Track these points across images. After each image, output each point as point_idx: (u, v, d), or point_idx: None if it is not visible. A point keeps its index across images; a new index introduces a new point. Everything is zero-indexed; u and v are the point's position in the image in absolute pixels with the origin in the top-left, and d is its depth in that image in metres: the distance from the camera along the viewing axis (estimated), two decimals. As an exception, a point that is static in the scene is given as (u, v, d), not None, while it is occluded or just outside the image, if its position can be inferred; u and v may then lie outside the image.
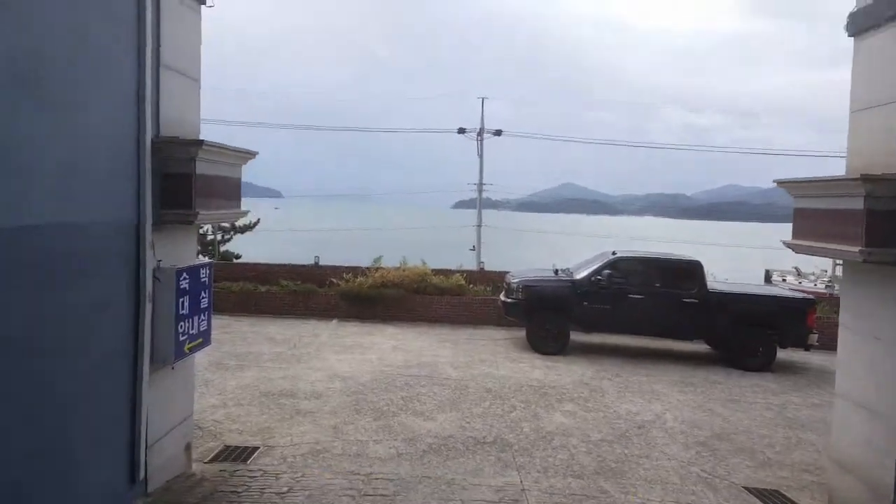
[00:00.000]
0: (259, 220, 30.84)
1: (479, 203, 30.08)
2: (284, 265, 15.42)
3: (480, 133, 29.56)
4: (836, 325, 5.93)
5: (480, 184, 30.10)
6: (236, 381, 8.90)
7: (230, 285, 14.02)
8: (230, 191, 5.40)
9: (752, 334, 11.73)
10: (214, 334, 10.64)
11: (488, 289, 14.91)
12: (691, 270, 12.07)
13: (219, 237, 28.68)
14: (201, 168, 4.79)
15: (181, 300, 4.83)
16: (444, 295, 14.32)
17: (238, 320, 13.19)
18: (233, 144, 5.31)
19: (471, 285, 14.83)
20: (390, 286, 14.11)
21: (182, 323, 4.86)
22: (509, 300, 12.36)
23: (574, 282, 12.08)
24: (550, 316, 12.01)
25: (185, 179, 4.69)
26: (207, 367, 9.40)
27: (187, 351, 5.00)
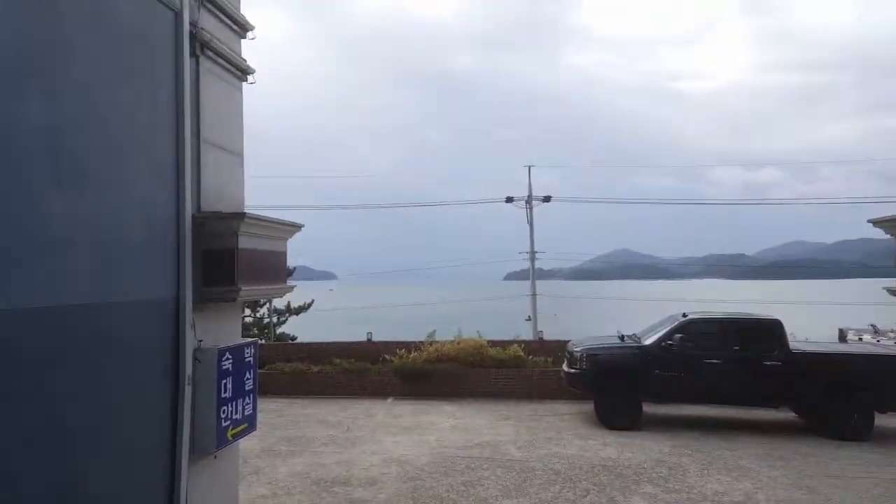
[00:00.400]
0: (313, 300, 31.08)
1: (532, 271, 29.52)
2: (336, 343, 15.13)
3: (529, 200, 29.36)
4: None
5: (532, 252, 29.64)
6: (287, 467, 8.43)
7: (282, 366, 13.77)
8: (275, 265, 5.15)
9: (845, 398, 10.63)
10: (266, 418, 10.30)
11: (549, 360, 14.21)
12: (770, 330, 11.15)
13: (274, 319, 28.91)
14: (244, 243, 4.56)
15: (223, 382, 4.49)
16: (502, 367, 13.68)
17: (291, 403, 12.82)
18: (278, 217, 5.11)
19: (530, 356, 14.17)
20: (445, 360, 13.60)
21: (225, 407, 4.51)
22: (573, 370, 11.65)
23: (643, 348, 11.32)
24: (619, 386, 11.22)
25: (228, 255, 4.45)
26: (259, 454, 8.99)
27: (231, 437, 4.62)
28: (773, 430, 11.07)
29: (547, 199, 29.60)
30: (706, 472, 8.60)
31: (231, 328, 5.03)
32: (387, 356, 13.98)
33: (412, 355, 13.78)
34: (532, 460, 8.96)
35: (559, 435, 10.47)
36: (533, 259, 29.52)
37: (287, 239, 5.44)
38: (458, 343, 14.02)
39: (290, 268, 30.93)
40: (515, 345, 14.37)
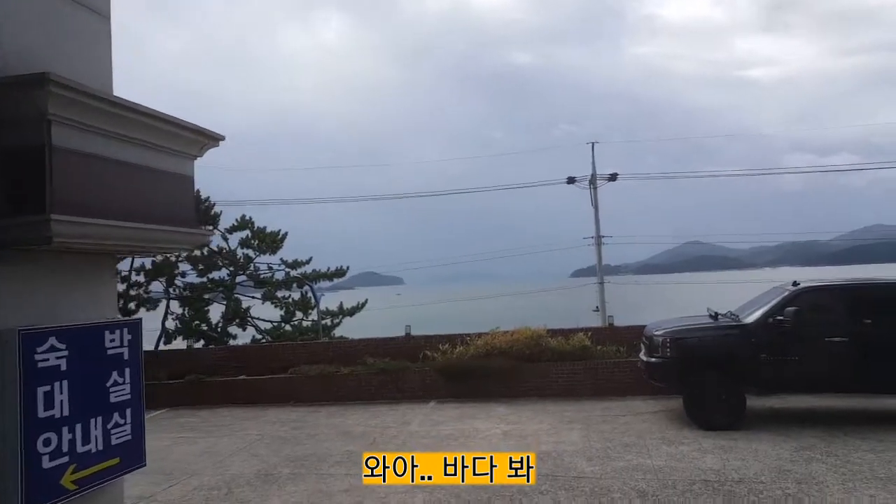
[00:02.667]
0: (367, 300, 29.45)
1: (599, 255, 26.90)
2: (370, 340, 13.18)
3: (593, 180, 26.80)
4: None
5: (598, 235, 27.06)
6: (280, 500, 6.49)
7: (308, 369, 11.94)
8: (164, 195, 3.19)
9: None
10: (278, 432, 8.51)
11: (621, 349, 11.85)
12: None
13: (326, 321, 27.47)
14: (73, 140, 2.63)
15: (44, 389, 2.57)
16: (565, 361, 11.44)
17: (314, 411, 10.95)
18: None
19: (598, 346, 11.85)
20: (497, 355, 11.46)
21: (51, 434, 2.58)
22: (653, 359, 9.33)
23: (743, 327, 8.90)
24: (716, 376, 8.84)
25: (31, 157, 2.53)
26: (251, 481, 7.12)
27: (70, 485, 2.68)
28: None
29: (613, 177, 26.94)
30: (852, 484, 6.23)
31: (87, 299, 3.09)
32: (428, 353, 11.96)
33: (457, 350, 11.72)
34: (607, 476, 6.73)
35: (641, 440, 8.18)
36: (599, 243, 26.94)
37: (194, 156, 3.47)
38: (512, 334, 11.85)
39: (301, 273, 29.70)
40: (581, 333, 12.07)
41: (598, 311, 24.66)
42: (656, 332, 9.44)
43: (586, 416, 9.72)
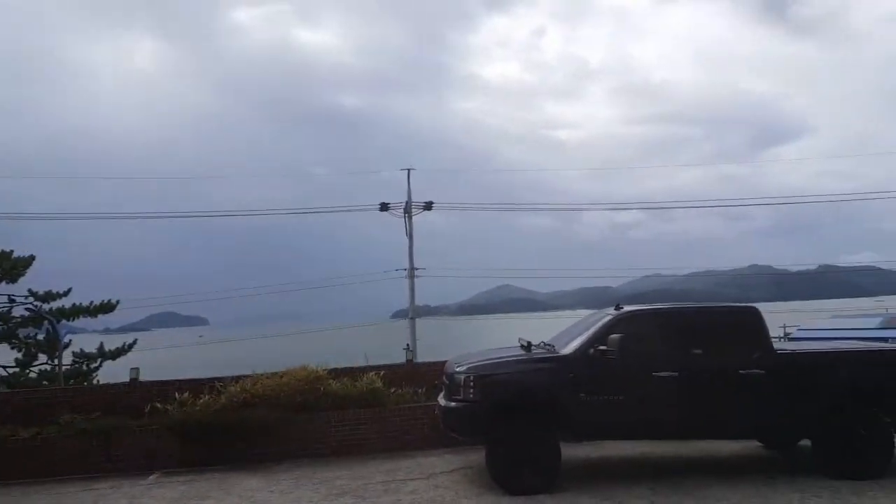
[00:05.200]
0: (136, 340, 24.84)
1: (412, 287, 25.09)
2: (74, 388, 9.69)
3: (408, 208, 25.04)
4: None
5: (412, 267, 25.26)
6: None
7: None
8: None
9: (858, 417, 6.97)
10: None
11: (420, 391, 9.71)
12: (747, 323, 7.39)
13: (81, 365, 22.56)
14: None
15: None
16: (350, 408, 9.01)
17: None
18: None
19: (393, 389, 9.59)
20: (259, 404, 8.71)
21: None
22: (453, 404, 7.25)
23: (561, 359, 7.15)
24: (527, 423, 6.95)
25: None
26: None
27: None
28: (748, 472, 7.29)
29: (429, 205, 25.33)
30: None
31: None
32: (159, 405, 8.81)
33: (202, 401, 8.73)
34: None
35: (430, 519, 5.95)
36: (412, 275, 25.13)
37: None
38: (282, 377, 9.15)
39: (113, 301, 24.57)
40: (372, 374, 9.71)
41: (408, 349, 22.64)
42: (458, 369, 7.37)
43: (363, 483, 7.30)
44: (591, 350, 7.07)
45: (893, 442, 6.94)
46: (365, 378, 9.48)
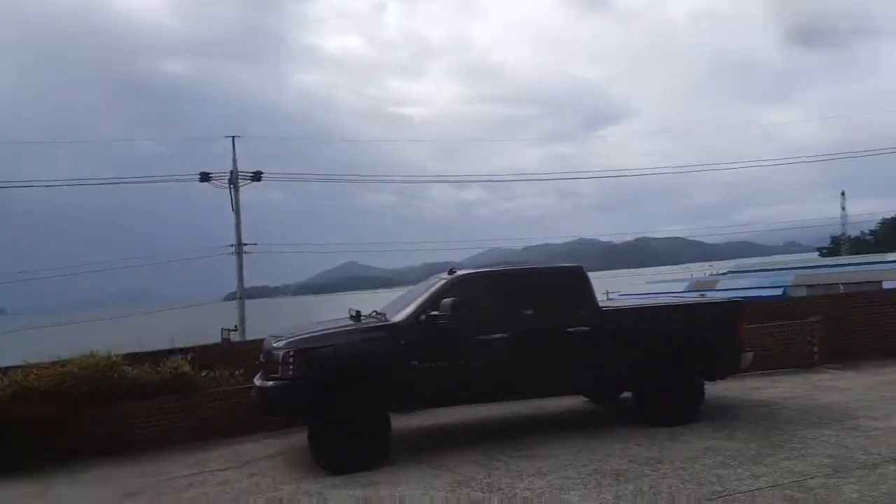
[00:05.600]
0: None
1: (240, 264, 23.42)
2: None
3: (233, 179, 23.17)
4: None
5: (239, 243, 23.52)
6: None
7: None
8: None
9: (677, 367, 7.23)
10: None
11: (238, 372, 8.77)
12: (573, 283, 7.38)
13: None
14: None
15: None
16: (152, 397, 7.88)
17: None
18: None
19: (204, 372, 8.55)
20: (37, 397, 7.30)
21: None
22: (270, 383, 6.48)
23: (392, 327, 6.67)
24: (354, 398, 6.37)
25: None
26: None
27: None
28: (577, 427, 7.34)
29: (257, 176, 23.58)
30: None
31: None
32: None
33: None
34: None
35: (237, 513, 5.21)
36: (240, 251, 23.42)
37: None
38: (64, 366, 7.75)
39: None
40: (180, 357, 8.59)
41: (236, 329, 21.15)
42: (276, 345, 6.62)
43: (163, 480, 6.33)
44: (423, 316, 6.68)
45: (703, 389, 7.32)
46: (169, 362, 8.36)
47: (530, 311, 7.06)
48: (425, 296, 6.98)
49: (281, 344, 6.53)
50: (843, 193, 77.74)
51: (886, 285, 18.41)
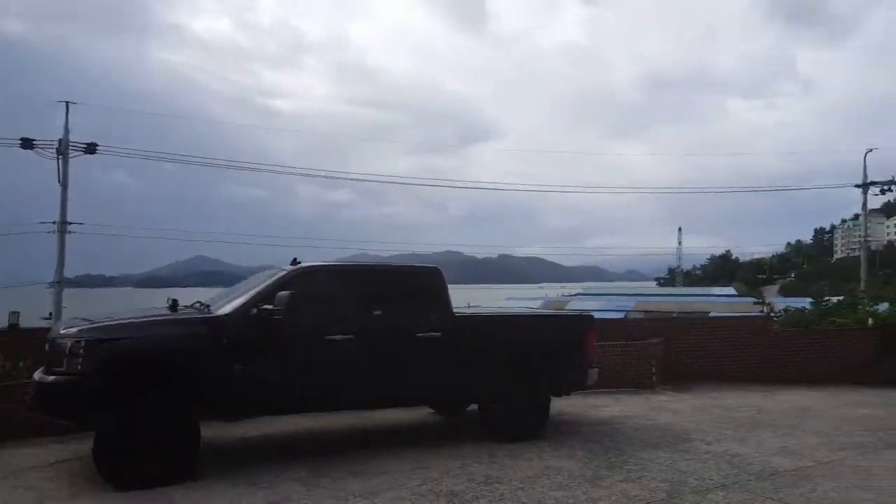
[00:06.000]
0: None
1: (62, 244, 20.74)
2: None
3: (63, 148, 20.51)
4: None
5: (63, 221, 20.83)
6: None
7: None
8: None
9: (523, 380, 6.94)
10: None
11: (22, 364, 7.33)
12: (428, 285, 6.89)
13: None
14: None
15: None
16: None
17: None
18: None
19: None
20: None
21: None
22: (52, 378, 5.31)
23: (214, 322, 5.77)
24: (156, 400, 5.37)
25: None
26: None
27: None
28: (415, 441, 6.88)
29: (91, 148, 20.99)
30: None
31: None
32: None
33: None
34: None
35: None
36: (63, 229, 20.76)
37: None
38: None
39: None
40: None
41: (50, 318, 18.64)
42: (64, 332, 5.46)
43: None
44: (255, 310, 5.82)
45: (549, 404, 7.10)
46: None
47: (379, 312, 6.45)
48: (260, 287, 6.14)
49: (71, 331, 5.40)
50: (679, 229, 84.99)
51: (713, 316, 19.90)
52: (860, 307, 13.56)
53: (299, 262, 6.57)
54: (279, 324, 5.78)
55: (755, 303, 15.74)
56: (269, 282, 6.19)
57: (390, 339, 6.41)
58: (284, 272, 6.35)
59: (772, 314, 13.72)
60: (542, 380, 7.07)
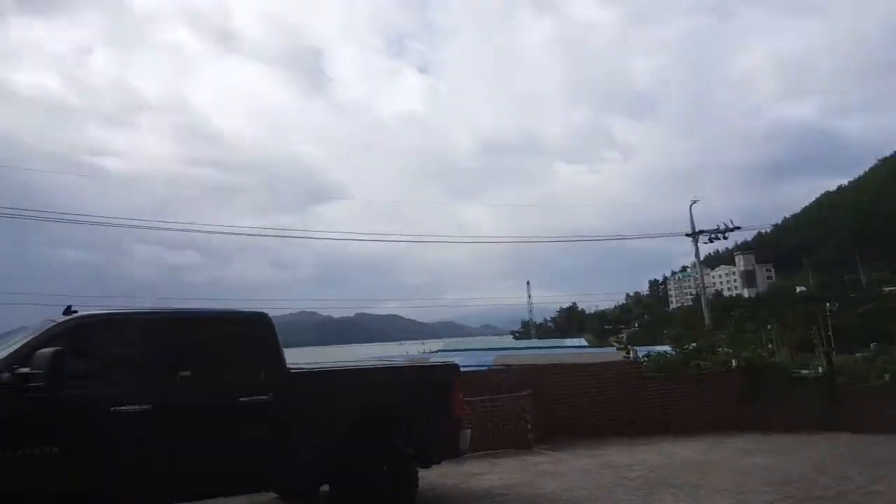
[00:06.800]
0: None
1: None
2: None
3: None
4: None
5: None
6: None
7: None
8: None
9: (383, 450, 5.49)
10: None
11: None
12: (253, 335, 5.27)
13: None
14: None
15: None
16: None
17: None
18: None
19: None
20: None
21: None
22: None
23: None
24: None
25: None
26: None
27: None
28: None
29: None
30: None
31: None
32: None
33: None
34: None
35: None
36: None
37: None
38: None
39: None
40: None
41: None
42: None
43: None
44: (6, 375, 4.03)
45: (416, 478, 5.65)
46: None
47: (188, 373, 4.75)
48: (15, 345, 4.28)
49: None
50: (528, 283, 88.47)
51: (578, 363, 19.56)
52: (720, 349, 13.55)
53: (75, 311, 4.75)
54: (40, 392, 4.01)
55: (619, 348, 15.45)
56: (29, 338, 4.36)
57: (203, 409, 4.72)
58: (52, 324, 4.53)
59: (639, 359, 13.36)
60: (406, 449, 5.63)
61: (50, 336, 4.37)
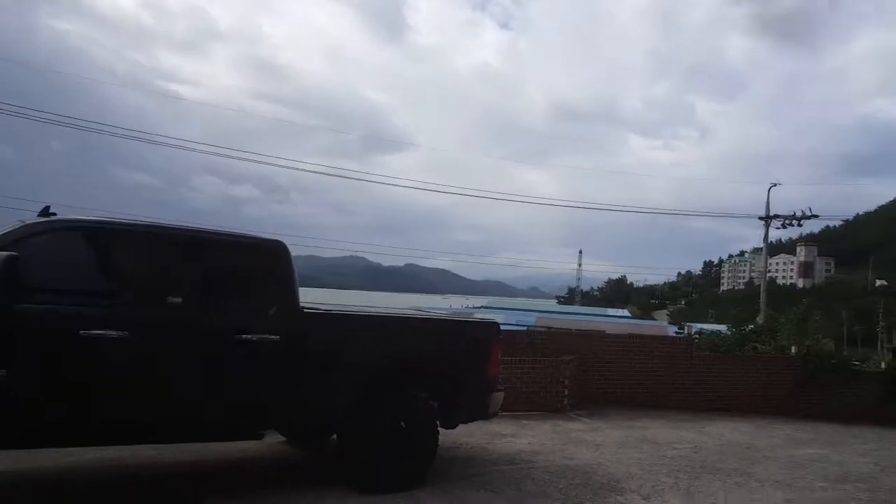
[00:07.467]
0: None
1: None
2: None
3: None
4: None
5: None
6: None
7: None
8: None
9: (403, 406, 4.94)
10: None
11: None
12: (264, 265, 4.66)
13: None
14: None
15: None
16: None
17: None
18: None
19: None
20: None
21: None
22: None
23: None
24: None
25: None
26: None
27: None
28: (231, 488, 4.67)
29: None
30: None
31: None
32: None
33: None
34: None
35: None
36: None
37: None
38: None
39: None
40: None
41: None
42: None
43: None
44: None
45: (437, 438, 5.13)
46: None
47: (178, 300, 4.17)
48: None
49: None
50: (580, 252, 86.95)
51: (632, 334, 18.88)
52: (780, 333, 12.65)
53: (53, 214, 4.19)
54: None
55: (671, 322, 14.68)
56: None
57: (193, 342, 4.20)
58: (18, 225, 3.99)
59: (693, 336, 12.63)
60: (426, 406, 5.10)
61: (13, 238, 3.79)
